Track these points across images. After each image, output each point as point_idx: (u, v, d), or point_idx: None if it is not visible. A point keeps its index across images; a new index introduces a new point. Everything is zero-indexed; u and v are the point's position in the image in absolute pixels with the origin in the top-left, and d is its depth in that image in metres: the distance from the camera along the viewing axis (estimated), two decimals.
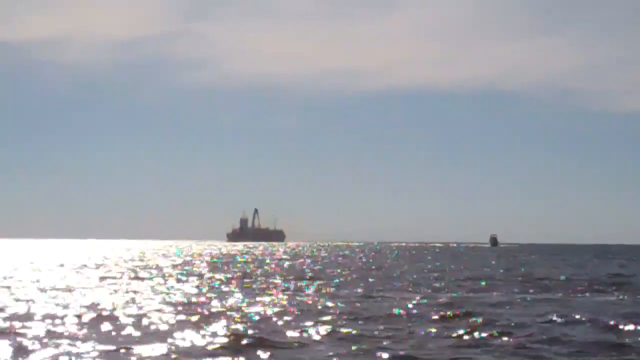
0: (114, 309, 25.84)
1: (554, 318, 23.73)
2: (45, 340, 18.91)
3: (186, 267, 61.50)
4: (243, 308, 26.51)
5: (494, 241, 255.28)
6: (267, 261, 79.55)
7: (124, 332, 20.64)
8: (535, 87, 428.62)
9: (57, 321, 22.62)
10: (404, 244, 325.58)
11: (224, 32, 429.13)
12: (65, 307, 26.74)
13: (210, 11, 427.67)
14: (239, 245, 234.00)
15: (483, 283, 41.73)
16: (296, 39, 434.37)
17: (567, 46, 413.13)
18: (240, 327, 21.50)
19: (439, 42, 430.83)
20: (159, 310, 25.47)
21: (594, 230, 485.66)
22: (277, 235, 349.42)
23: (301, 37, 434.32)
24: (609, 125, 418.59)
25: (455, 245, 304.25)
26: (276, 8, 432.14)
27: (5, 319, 23.04)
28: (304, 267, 64.86)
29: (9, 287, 36.35)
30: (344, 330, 20.97)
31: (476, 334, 20.36)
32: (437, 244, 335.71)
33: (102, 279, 44.51)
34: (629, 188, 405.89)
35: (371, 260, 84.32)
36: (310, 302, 29.34)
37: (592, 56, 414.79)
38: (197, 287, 37.81)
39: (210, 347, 18.16)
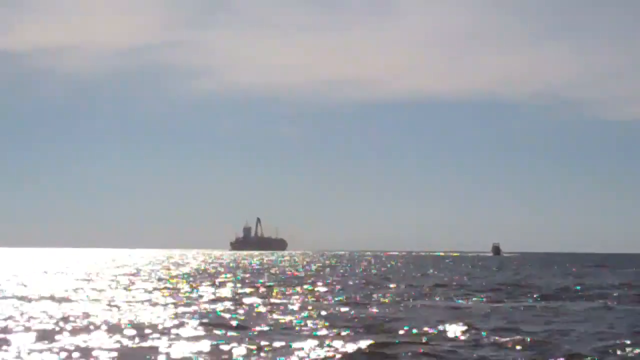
0: None
1: None
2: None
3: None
4: None
5: (496, 250, 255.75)
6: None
7: None
8: (535, 96, 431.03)
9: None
10: (404, 253, 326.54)
11: (224, 41, 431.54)
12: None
13: (210, 20, 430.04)
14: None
15: None
16: (296, 48, 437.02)
17: (566, 55, 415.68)
18: None
19: (438, 51, 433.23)
20: None
21: (595, 239, 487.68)
22: (279, 244, 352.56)
23: (301, 46, 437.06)
24: (609, 134, 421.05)
25: (457, 254, 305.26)
26: (276, 17, 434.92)
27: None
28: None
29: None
30: None
31: None
32: (436, 253, 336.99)
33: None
34: (630, 196, 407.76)
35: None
36: None
37: (591, 65, 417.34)
38: None
39: None
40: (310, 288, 44.47)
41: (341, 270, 79.95)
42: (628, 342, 20.81)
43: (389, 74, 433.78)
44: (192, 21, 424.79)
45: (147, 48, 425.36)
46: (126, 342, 20.66)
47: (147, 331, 22.59)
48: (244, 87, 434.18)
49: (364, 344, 20.01)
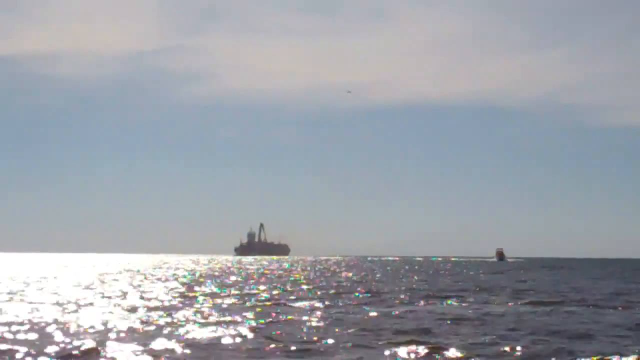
0: None
1: None
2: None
3: None
4: None
5: (500, 256, 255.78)
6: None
7: None
8: (535, 101, 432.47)
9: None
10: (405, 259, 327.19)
11: (223, 47, 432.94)
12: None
13: (208, 26, 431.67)
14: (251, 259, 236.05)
15: None
16: (296, 53, 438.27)
17: (565, 61, 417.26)
18: None
19: (437, 56, 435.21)
20: None
21: (598, 244, 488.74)
22: (282, 249, 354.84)
23: (301, 51, 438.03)
24: (610, 140, 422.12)
25: (462, 260, 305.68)
26: (275, 23, 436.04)
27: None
28: None
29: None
30: None
31: None
32: (439, 258, 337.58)
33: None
34: (631, 198, 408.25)
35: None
36: None
37: (590, 71, 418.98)
38: None
39: None
40: None
41: None
42: None
43: (390, 78, 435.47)
44: (190, 27, 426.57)
45: (146, 54, 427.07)
46: None
47: None
48: (244, 92, 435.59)
49: None
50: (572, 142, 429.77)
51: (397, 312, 32.19)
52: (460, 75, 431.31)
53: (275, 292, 47.27)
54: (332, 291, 48.58)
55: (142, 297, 40.55)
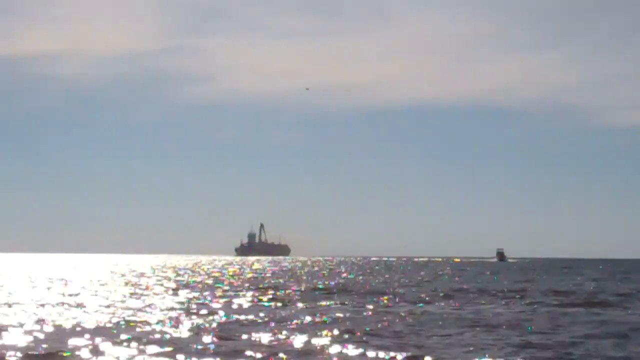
0: None
1: None
2: None
3: None
4: None
5: (501, 256, 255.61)
6: None
7: None
8: (535, 101, 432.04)
9: None
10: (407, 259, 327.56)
11: (223, 48, 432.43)
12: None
13: (209, 27, 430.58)
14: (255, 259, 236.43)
15: None
16: (296, 54, 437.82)
17: (565, 61, 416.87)
18: None
19: (437, 57, 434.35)
20: None
21: (599, 244, 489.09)
22: (282, 250, 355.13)
23: (301, 52, 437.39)
24: (610, 140, 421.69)
25: (463, 260, 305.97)
26: (275, 24, 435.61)
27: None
28: None
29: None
30: None
31: None
32: (439, 259, 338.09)
33: None
34: (631, 201, 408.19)
35: None
36: None
37: (590, 71, 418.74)
38: None
39: None
40: None
41: None
42: None
43: (390, 79, 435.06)
44: (191, 28, 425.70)
45: (146, 55, 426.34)
46: None
47: None
48: (245, 93, 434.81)
49: None
50: (572, 142, 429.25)
51: (398, 313, 32.38)
52: (460, 75, 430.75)
53: (278, 292, 47.52)
54: (335, 291, 48.93)
55: (151, 297, 40.77)
